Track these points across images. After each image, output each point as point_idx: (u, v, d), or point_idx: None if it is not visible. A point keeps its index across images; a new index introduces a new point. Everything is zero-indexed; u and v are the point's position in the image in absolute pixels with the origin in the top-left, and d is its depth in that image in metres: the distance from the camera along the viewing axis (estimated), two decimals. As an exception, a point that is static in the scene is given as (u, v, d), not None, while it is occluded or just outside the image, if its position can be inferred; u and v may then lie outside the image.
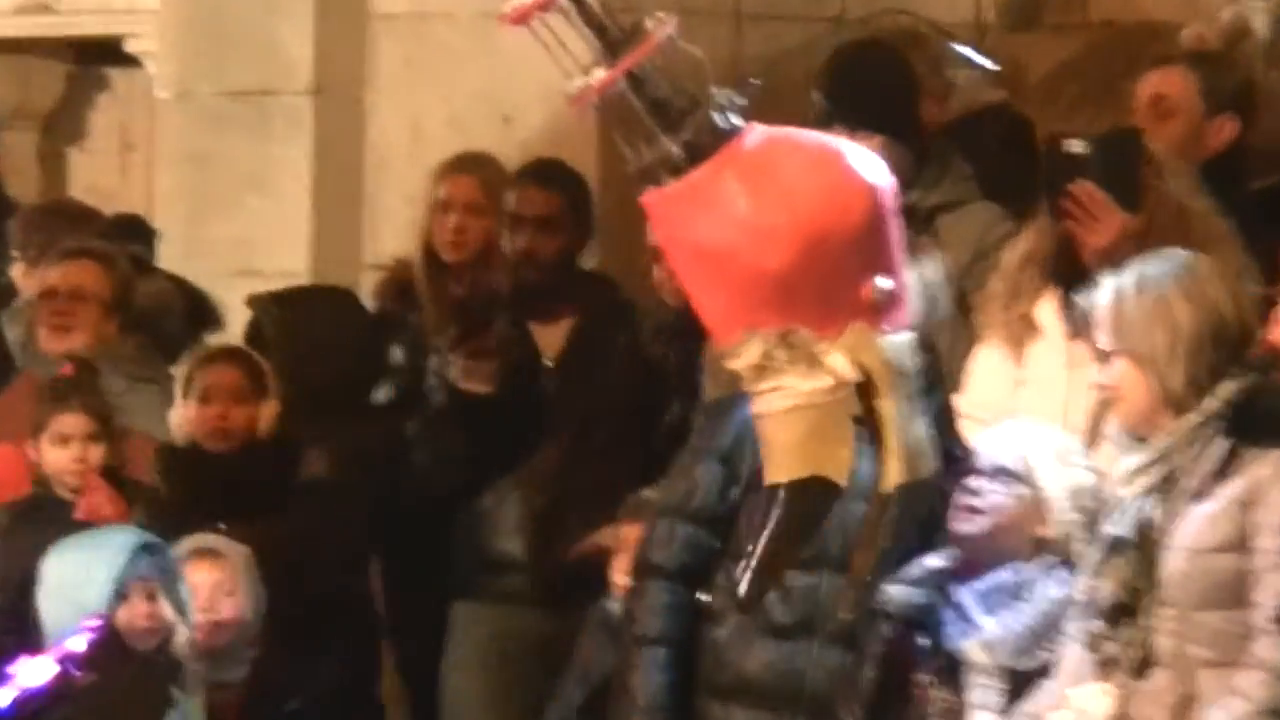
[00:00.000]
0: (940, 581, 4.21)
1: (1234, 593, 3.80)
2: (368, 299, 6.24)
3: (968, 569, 4.21)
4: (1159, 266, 3.97)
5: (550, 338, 5.76)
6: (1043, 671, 4.11)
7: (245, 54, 6.70)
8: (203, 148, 6.75)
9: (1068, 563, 4.14)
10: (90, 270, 5.87)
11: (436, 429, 5.52)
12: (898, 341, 4.16)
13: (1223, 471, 3.81)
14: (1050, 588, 4.14)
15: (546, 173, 5.89)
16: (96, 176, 8.15)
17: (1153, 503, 3.84)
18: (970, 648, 4.14)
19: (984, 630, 4.13)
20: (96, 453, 5.40)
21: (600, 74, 5.44)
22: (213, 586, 5.09)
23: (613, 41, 4.41)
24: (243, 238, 6.67)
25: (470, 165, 6.02)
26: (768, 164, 4.14)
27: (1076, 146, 4.57)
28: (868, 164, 4.19)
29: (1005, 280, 4.74)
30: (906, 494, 4.13)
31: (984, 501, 4.19)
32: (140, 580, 4.85)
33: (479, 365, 5.35)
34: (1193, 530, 3.81)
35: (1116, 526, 3.88)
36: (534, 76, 6.15)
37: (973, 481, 4.21)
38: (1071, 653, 3.99)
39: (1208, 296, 3.90)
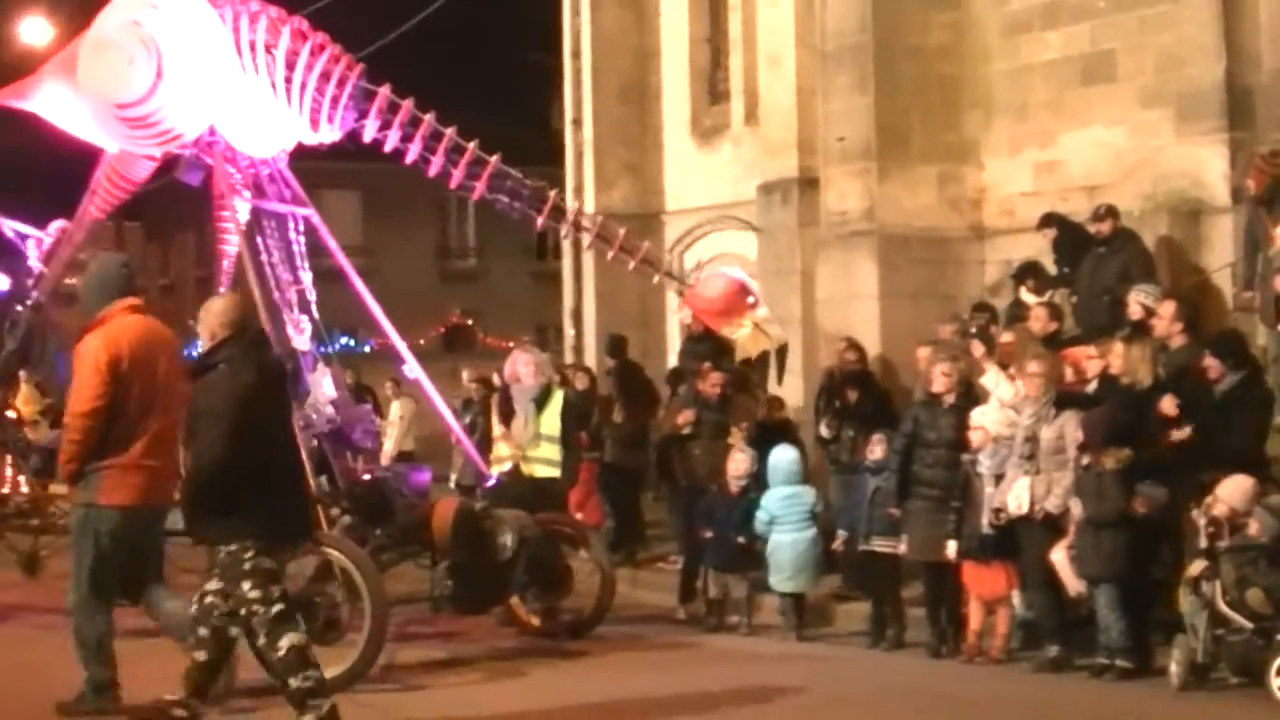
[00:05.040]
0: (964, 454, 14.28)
1: (1062, 448, 13.69)
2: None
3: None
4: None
5: None
6: (1002, 476, 13.96)
7: None
8: None
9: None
10: None
11: None
12: None
13: (1055, 415, 13.80)
14: (1005, 450, 14.01)
15: None
16: None
17: (1035, 425, 13.82)
18: (982, 468, 14.09)
19: (986, 463, 14.09)
20: None
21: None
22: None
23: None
24: None
25: None
26: None
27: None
28: None
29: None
30: None
31: (973, 436, 14.26)
32: None
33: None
34: (1049, 434, 13.76)
35: (1027, 434, 13.86)
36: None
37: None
38: (1011, 474, 13.85)
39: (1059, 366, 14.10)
